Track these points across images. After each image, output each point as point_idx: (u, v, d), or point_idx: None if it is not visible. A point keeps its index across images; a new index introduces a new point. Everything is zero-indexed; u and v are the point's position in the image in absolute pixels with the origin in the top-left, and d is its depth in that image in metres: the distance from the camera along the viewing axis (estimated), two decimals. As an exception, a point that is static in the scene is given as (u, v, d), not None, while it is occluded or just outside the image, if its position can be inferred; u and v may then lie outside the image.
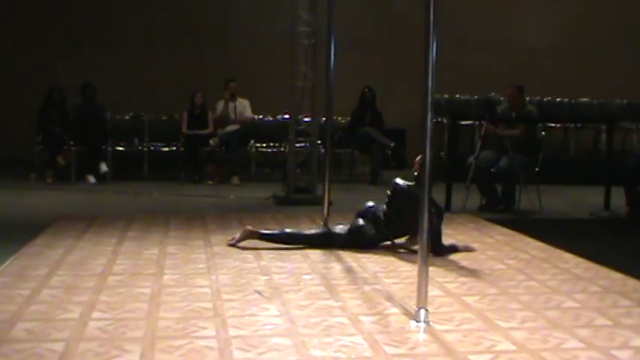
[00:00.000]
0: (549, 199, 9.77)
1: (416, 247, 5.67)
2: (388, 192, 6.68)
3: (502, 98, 10.97)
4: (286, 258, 6.22)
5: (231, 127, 12.26)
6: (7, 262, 5.92)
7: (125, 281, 5.42)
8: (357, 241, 6.51)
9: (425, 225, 4.55)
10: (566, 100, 14.33)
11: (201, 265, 5.95)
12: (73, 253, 6.33)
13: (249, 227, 6.74)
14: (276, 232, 6.79)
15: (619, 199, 9.20)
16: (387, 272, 5.79)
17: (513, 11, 14.73)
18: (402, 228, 6.50)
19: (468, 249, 6.64)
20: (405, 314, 4.68)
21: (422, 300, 4.55)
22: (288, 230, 6.89)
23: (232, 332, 4.27)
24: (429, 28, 4.50)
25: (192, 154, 12.05)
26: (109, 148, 12.03)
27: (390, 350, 4.02)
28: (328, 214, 7.53)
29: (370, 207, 6.66)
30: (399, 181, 6.61)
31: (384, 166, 12.48)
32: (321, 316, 4.63)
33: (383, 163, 12.43)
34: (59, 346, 3.97)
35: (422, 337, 4.31)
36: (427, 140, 4.53)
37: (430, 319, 4.51)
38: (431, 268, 4.95)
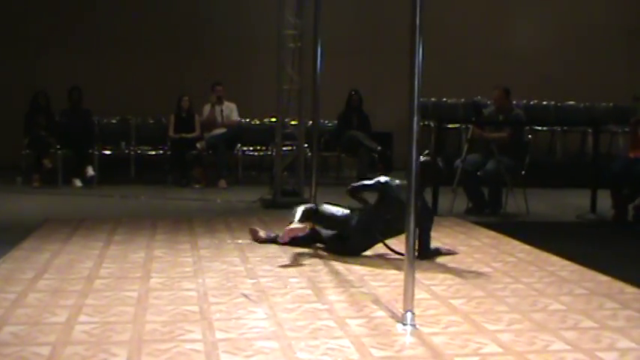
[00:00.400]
0: (536, 202, 9.80)
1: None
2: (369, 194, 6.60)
3: (489, 102, 11.01)
4: (273, 261, 6.22)
5: (218, 131, 12.26)
6: (-7, 266, 5.90)
7: (112, 285, 5.40)
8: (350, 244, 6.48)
9: (411, 227, 4.56)
10: (553, 103, 14.39)
11: (187, 269, 5.94)
12: (60, 256, 6.31)
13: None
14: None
15: (605, 202, 9.24)
16: (374, 275, 5.80)
17: (500, 15, 14.79)
18: (395, 228, 6.34)
19: (451, 252, 6.64)
20: (392, 317, 4.68)
21: (408, 303, 4.55)
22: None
23: (219, 335, 4.27)
24: (414, 31, 4.51)
25: (179, 157, 12.05)
26: (96, 152, 12.00)
27: (376, 353, 4.03)
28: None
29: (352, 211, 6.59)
30: (386, 179, 6.53)
31: (371, 170, 12.49)
32: (307, 319, 4.63)
33: (370, 167, 12.45)
34: (45, 350, 3.96)
35: (408, 339, 4.32)
36: (413, 143, 4.54)
37: (417, 321, 4.52)
38: (417, 271, 4.97)
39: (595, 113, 14.17)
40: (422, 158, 6.13)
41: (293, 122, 10.48)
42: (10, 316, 4.60)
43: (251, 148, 12.83)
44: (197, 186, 11.75)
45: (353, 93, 12.74)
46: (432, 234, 6.50)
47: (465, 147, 9.69)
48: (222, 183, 11.79)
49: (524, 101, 13.59)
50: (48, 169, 11.46)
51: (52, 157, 11.60)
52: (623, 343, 4.29)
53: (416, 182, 4.55)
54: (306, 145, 10.41)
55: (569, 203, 10.35)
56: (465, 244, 7.22)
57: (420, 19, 4.51)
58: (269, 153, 12.48)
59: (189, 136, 12.18)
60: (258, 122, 13.25)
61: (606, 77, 14.45)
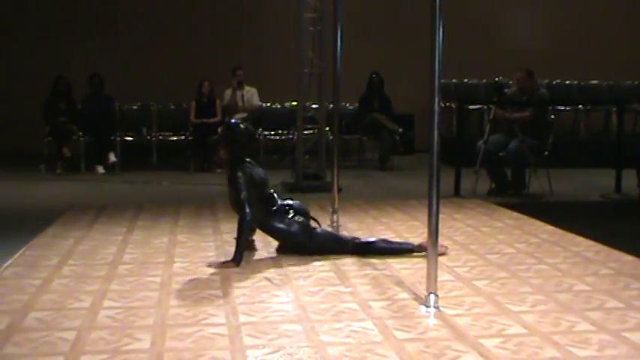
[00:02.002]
0: (559, 182, 9.74)
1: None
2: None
3: (510, 82, 10.93)
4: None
5: (239, 115, 12.22)
6: (19, 253, 5.94)
7: (135, 270, 5.43)
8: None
9: (434, 207, 4.52)
10: (576, 82, 14.25)
11: (210, 253, 5.95)
12: (84, 242, 6.35)
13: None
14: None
15: (630, 181, 9.17)
16: (397, 258, 5.78)
17: (522, -5, 14.66)
18: None
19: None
20: (415, 299, 4.67)
21: (432, 285, 4.54)
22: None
23: (242, 319, 4.28)
24: (435, 12, 4.48)
25: (201, 142, 12.04)
26: (118, 139, 12.04)
27: (400, 335, 4.02)
28: (338, 200, 7.51)
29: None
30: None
31: (393, 152, 12.47)
32: (331, 302, 4.63)
33: (392, 149, 12.42)
34: (71, 335, 3.99)
35: (432, 321, 4.31)
36: (434, 125, 4.52)
37: (440, 303, 4.51)
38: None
39: (619, 92, 14.03)
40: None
41: (314, 105, 10.46)
42: (35, 302, 4.63)
43: (272, 132, 12.81)
44: (219, 171, 11.75)
45: (374, 75, 12.69)
46: (455, 216, 6.46)
47: (487, 128, 9.64)
48: (244, 167, 11.78)
49: (547, 80, 13.47)
50: (67, 157, 11.50)
51: (72, 146, 11.64)
52: (649, 323, 4.26)
53: (437, 165, 4.51)
54: (327, 129, 10.38)
55: (594, 183, 10.27)
56: (488, 225, 7.18)
57: (440, 0, 4.47)
58: (290, 137, 12.46)
59: (211, 121, 12.18)
60: (279, 106, 13.23)
61: (630, 55, 14.28)
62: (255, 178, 5.74)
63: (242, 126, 5.97)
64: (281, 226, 5.82)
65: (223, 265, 5.47)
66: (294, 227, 5.81)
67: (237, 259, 5.47)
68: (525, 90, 9.63)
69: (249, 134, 6.01)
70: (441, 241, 5.25)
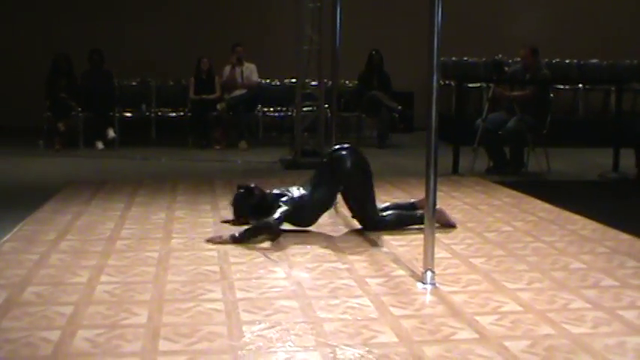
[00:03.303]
0: (558, 161, 9.75)
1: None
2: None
3: (510, 60, 10.91)
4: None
5: (238, 92, 12.23)
6: (17, 228, 5.96)
7: (133, 245, 5.45)
8: None
9: (432, 183, 4.54)
10: (575, 61, 14.22)
11: (208, 229, 5.97)
12: (82, 218, 6.36)
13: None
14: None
15: (628, 160, 9.17)
16: (394, 235, 5.79)
17: (522, -28, 14.59)
18: None
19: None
20: (412, 276, 4.69)
21: (428, 262, 4.57)
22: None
23: (239, 295, 4.30)
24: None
25: (200, 119, 12.04)
26: (117, 115, 12.03)
27: (396, 312, 4.04)
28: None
29: None
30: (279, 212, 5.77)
31: (392, 130, 12.47)
32: (327, 278, 4.65)
33: (390, 127, 12.42)
34: (68, 310, 4.01)
35: (428, 298, 4.34)
36: (433, 102, 4.51)
37: (437, 280, 4.54)
38: (438, 231, 4.97)
39: (618, 71, 14.01)
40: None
41: (313, 83, 10.44)
42: (33, 276, 4.65)
43: (271, 109, 12.80)
44: (218, 147, 11.76)
45: (373, 53, 12.65)
46: (453, 194, 6.48)
47: (486, 106, 9.63)
48: (243, 144, 11.80)
49: (546, 59, 13.43)
50: (62, 131, 11.48)
51: (67, 121, 11.61)
52: (644, 301, 4.28)
53: (434, 142, 4.52)
54: (326, 106, 10.37)
55: (592, 162, 10.27)
56: (486, 203, 7.20)
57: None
58: (289, 114, 12.45)
59: (210, 97, 12.16)
60: (278, 83, 13.21)
61: (630, 35, 14.24)
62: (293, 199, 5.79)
63: (242, 192, 6.07)
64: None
65: (222, 240, 5.47)
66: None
67: (237, 239, 5.47)
68: (529, 68, 9.60)
69: (251, 192, 6.04)
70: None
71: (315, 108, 10.49)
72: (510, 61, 12.07)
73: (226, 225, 6.06)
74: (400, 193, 7.59)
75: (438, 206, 5.92)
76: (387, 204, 6.26)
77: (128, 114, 12.38)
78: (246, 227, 5.61)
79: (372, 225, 5.92)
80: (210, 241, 5.52)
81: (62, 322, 3.84)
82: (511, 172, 9.26)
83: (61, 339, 3.62)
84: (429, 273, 4.54)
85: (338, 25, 7.39)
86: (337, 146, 6.06)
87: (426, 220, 4.63)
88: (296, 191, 5.88)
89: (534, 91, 9.46)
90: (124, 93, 12.72)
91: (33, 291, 4.35)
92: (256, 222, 5.71)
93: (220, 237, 5.54)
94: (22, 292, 4.33)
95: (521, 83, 9.61)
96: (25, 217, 6.32)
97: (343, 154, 5.91)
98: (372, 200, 5.95)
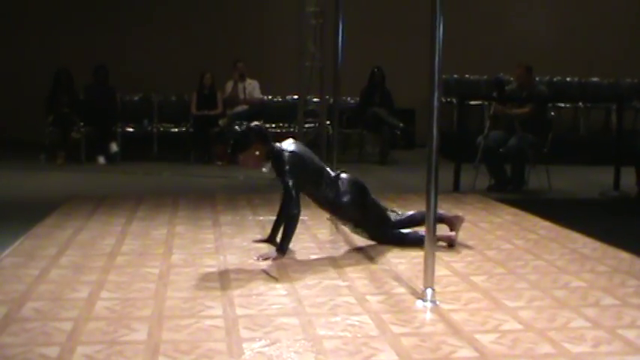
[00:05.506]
0: (559, 179, 9.75)
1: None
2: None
3: (511, 78, 10.93)
4: (294, 238, 6.20)
5: (240, 108, 12.26)
6: (17, 243, 5.96)
7: (133, 261, 5.44)
8: None
9: (432, 199, 4.54)
10: (576, 79, 14.26)
11: (209, 245, 5.97)
12: (82, 233, 6.36)
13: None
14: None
15: (629, 179, 9.17)
16: (395, 252, 5.79)
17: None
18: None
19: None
20: (412, 294, 4.69)
21: (429, 280, 4.56)
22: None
23: (239, 312, 4.29)
24: (435, 7, 4.48)
25: (202, 134, 12.06)
26: (119, 130, 12.06)
27: (396, 330, 4.03)
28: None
29: None
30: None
31: (393, 147, 12.48)
32: (328, 295, 4.64)
33: (392, 144, 12.43)
34: (67, 325, 4.00)
35: (428, 316, 4.33)
36: (434, 120, 4.52)
37: (437, 298, 4.53)
38: (438, 249, 4.96)
39: (619, 89, 14.03)
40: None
41: (315, 99, 10.46)
42: (32, 291, 4.64)
43: (273, 125, 12.80)
44: (219, 163, 11.76)
45: (375, 70, 12.68)
46: (454, 211, 6.47)
47: (487, 123, 9.65)
48: (245, 160, 11.78)
49: (547, 77, 13.47)
50: (76, 139, 11.51)
51: (73, 133, 11.66)
52: (645, 320, 4.27)
53: (435, 160, 4.53)
54: (328, 122, 10.38)
55: (593, 180, 10.27)
56: (487, 220, 7.19)
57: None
58: (291, 130, 12.46)
59: (212, 113, 12.19)
60: (280, 99, 13.24)
61: (630, 53, 14.27)
62: (301, 155, 5.68)
63: (245, 125, 5.95)
64: (331, 196, 5.78)
65: (268, 258, 5.41)
66: (345, 198, 5.78)
67: (283, 250, 5.44)
68: (525, 86, 9.66)
69: (252, 127, 5.95)
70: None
71: (317, 124, 10.50)
72: (511, 79, 12.10)
73: (260, 244, 5.96)
74: (401, 210, 7.57)
75: (460, 214, 6.18)
76: (411, 213, 6.16)
77: (130, 129, 12.41)
78: (281, 238, 5.54)
79: (387, 241, 5.95)
80: (260, 258, 5.42)
81: (61, 338, 3.83)
82: (512, 190, 9.27)
83: (60, 355, 3.61)
84: (429, 291, 4.54)
85: (340, 42, 7.39)
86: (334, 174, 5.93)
87: (426, 238, 4.63)
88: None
89: (533, 109, 9.49)
90: (126, 108, 12.74)
91: (32, 307, 4.34)
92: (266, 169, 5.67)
93: (267, 254, 5.47)
94: (21, 307, 4.32)
95: (519, 101, 9.65)
96: (26, 232, 6.32)
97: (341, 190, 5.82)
98: (376, 220, 5.92)
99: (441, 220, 5.85)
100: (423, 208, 4.77)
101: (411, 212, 6.15)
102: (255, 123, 6.04)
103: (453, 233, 6.04)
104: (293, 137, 5.99)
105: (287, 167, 5.53)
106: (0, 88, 13.13)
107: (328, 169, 5.94)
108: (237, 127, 5.92)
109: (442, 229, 5.81)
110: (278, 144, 5.68)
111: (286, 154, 5.58)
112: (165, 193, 8.80)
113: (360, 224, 5.94)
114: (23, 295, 4.55)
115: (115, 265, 5.31)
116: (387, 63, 12.94)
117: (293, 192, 5.53)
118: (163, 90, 12.96)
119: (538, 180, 9.38)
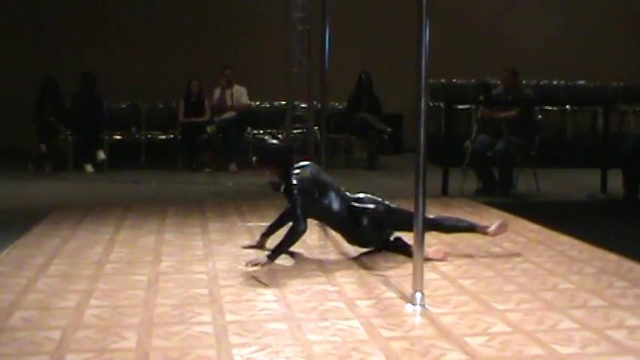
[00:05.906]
0: (546, 182, 9.78)
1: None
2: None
3: (498, 82, 10.96)
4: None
5: (227, 115, 12.26)
6: (5, 252, 5.94)
7: (122, 269, 5.44)
8: None
9: (420, 206, 4.55)
10: (563, 82, 14.30)
11: (198, 252, 5.96)
12: (70, 241, 6.35)
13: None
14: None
15: (616, 181, 9.21)
16: (384, 256, 5.80)
17: (510, -5, 14.71)
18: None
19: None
20: (401, 298, 4.70)
21: (418, 283, 4.57)
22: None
23: (229, 318, 4.29)
24: (421, 11, 4.50)
25: (190, 141, 12.05)
26: (106, 137, 12.03)
27: (386, 334, 4.04)
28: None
29: None
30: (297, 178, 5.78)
31: (381, 152, 12.49)
32: (317, 300, 4.65)
33: (380, 149, 12.44)
34: (56, 334, 3.99)
35: (418, 320, 4.34)
36: (421, 124, 4.54)
37: (426, 302, 4.54)
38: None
39: (605, 93, 14.09)
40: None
41: (303, 105, 10.47)
42: (21, 301, 4.63)
43: (261, 131, 12.80)
44: (207, 170, 11.76)
45: (363, 75, 12.69)
46: (443, 215, 6.49)
47: (475, 127, 9.67)
48: (233, 167, 11.80)
49: (534, 81, 13.52)
50: (44, 153, 11.47)
51: (52, 143, 11.61)
52: (632, 321, 4.29)
53: (423, 164, 4.54)
54: (315, 128, 10.39)
55: (580, 183, 10.31)
56: (475, 224, 7.20)
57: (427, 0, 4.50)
58: (279, 136, 12.45)
59: (199, 120, 12.18)
60: (267, 105, 13.24)
61: (616, 57, 14.34)
62: (317, 179, 5.75)
63: (272, 140, 6.04)
64: (352, 228, 5.82)
65: (258, 263, 5.35)
66: (364, 226, 5.78)
67: (273, 257, 5.39)
68: (511, 89, 9.71)
69: (280, 146, 5.97)
70: (428, 240, 5.24)
71: (304, 130, 10.50)
72: (498, 82, 12.14)
73: (249, 250, 5.95)
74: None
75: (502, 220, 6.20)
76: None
77: (118, 137, 12.38)
78: (276, 245, 5.53)
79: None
80: (249, 264, 5.36)
81: (50, 347, 3.82)
82: (500, 194, 9.29)
83: (49, 363, 3.60)
84: (418, 294, 4.55)
85: (327, 47, 7.41)
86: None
87: (414, 242, 4.64)
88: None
89: (520, 112, 9.53)
90: (114, 116, 12.70)
91: (21, 316, 4.33)
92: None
93: (257, 260, 5.40)
94: (9, 316, 4.31)
95: (505, 104, 9.68)
96: (14, 241, 6.30)
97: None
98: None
99: (472, 228, 6.07)
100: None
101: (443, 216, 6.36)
102: (288, 144, 6.09)
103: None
104: (309, 159, 6.04)
105: (296, 195, 5.57)
106: (-13, 97, 13.09)
107: (347, 193, 5.94)
108: (268, 137, 5.94)
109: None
110: (295, 169, 5.73)
111: (296, 184, 5.60)
112: (153, 200, 8.79)
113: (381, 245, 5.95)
114: (12, 305, 4.53)
115: (104, 274, 5.30)
116: (374, 68, 12.96)
117: (299, 211, 5.53)
118: (151, 97, 12.94)
119: (526, 183, 9.41)
